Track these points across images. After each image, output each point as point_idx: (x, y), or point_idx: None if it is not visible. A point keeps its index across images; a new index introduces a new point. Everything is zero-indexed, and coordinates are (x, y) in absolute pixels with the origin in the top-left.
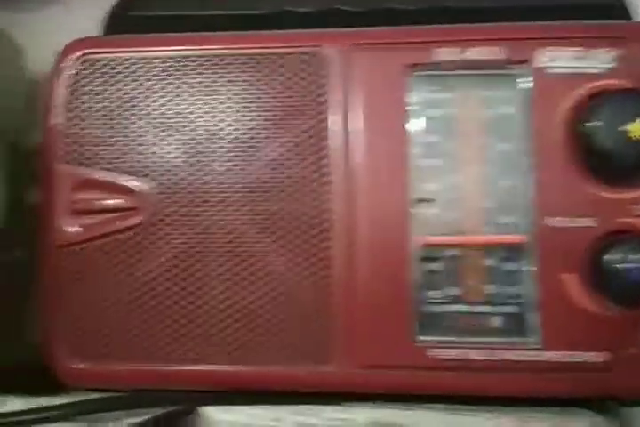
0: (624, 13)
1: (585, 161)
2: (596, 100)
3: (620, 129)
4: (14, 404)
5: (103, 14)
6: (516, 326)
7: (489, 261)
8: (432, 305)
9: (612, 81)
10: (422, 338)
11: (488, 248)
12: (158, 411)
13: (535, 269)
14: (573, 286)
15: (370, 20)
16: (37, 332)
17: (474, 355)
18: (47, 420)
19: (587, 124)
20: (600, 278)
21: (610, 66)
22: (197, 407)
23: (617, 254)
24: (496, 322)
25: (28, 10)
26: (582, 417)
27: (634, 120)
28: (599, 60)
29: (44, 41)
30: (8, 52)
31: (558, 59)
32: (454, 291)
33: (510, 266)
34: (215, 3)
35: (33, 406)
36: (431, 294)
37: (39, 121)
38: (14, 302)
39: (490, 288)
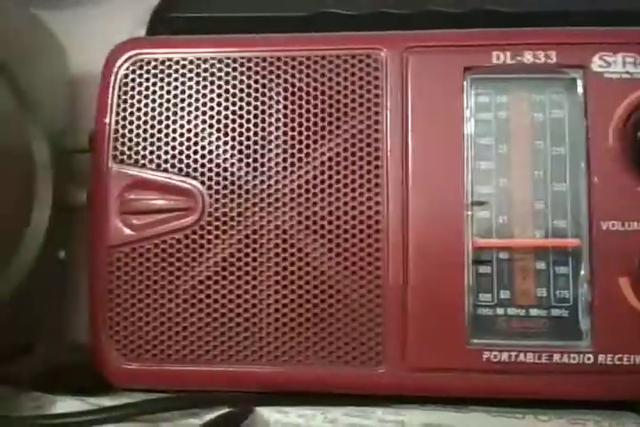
0: None
1: (639, 166)
2: None
3: None
4: (64, 404)
5: (145, 15)
6: (567, 329)
7: (540, 265)
8: (484, 308)
9: None
10: (475, 341)
11: (540, 251)
12: (219, 411)
13: (588, 272)
14: (627, 289)
15: (416, 24)
16: (86, 332)
17: (525, 358)
18: (106, 421)
19: None
20: None
21: None
22: (254, 409)
23: None
24: (547, 325)
25: (71, 10)
26: (631, 420)
27: None
28: None
29: (86, 42)
30: (53, 52)
31: (614, 64)
32: (506, 294)
33: (562, 269)
34: (258, 4)
35: (90, 408)
36: (482, 296)
37: (82, 121)
38: (60, 303)
39: (541, 291)
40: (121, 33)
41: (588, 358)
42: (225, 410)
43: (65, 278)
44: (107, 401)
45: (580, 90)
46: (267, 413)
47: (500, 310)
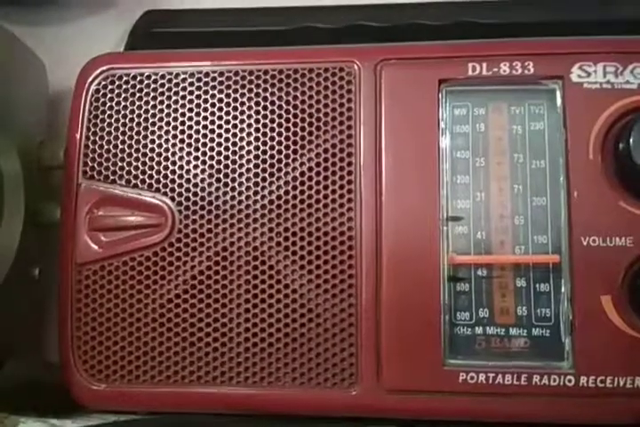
0: None
1: (620, 179)
2: (632, 116)
3: None
4: (26, 425)
5: (125, 30)
6: (548, 349)
7: (520, 282)
8: (462, 327)
9: None
10: (451, 362)
11: (519, 268)
12: None
13: (569, 290)
14: (609, 307)
15: (395, 36)
16: (57, 351)
17: (504, 380)
18: None
19: (622, 140)
20: (637, 300)
21: None
22: None
23: None
24: (527, 345)
25: (51, 25)
26: None
27: None
28: (635, 76)
29: (66, 56)
30: (32, 68)
31: (594, 74)
32: (484, 312)
33: (542, 287)
34: (238, 19)
35: None
36: (460, 315)
37: (60, 136)
38: (32, 321)
39: (521, 310)
40: (102, 49)
41: (570, 380)
42: None
43: (41, 296)
44: (69, 424)
45: (559, 101)
46: None
47: (478, 330)
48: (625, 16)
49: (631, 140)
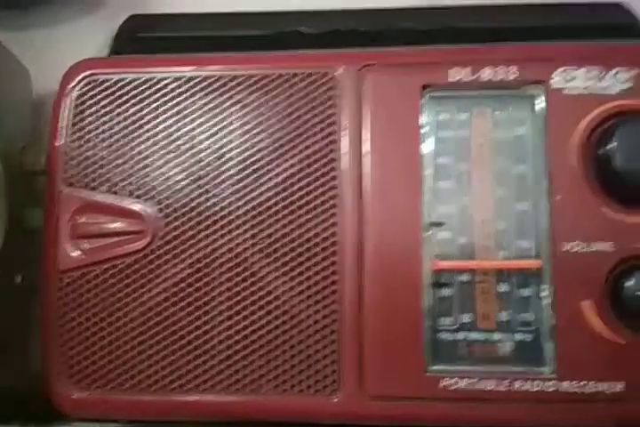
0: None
1: (602, 184)
2: (614, 120)
3: (638, 150)
4: None
5: (110, 35)
6: (530, 354)
7: (502, 287)
8: (444, 333)
9: (629, 102)
10: (434, 368)
11: (502, 273)
12: None
13: (551, 295)
14: (590, 312)
15: (379, 41)
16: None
17: (486, 385)
18: None
19: (604, 145)
20: (618, 305)
21: (627, 86)
22: None
23: (635, 281)
24: (509, 350)
25: (36, 31)
26: None
27: None
28: (616, 81)
29: (53, 60)
30: (15, 73)
31: (574, 79)
32: (466, 318)
33: (525, 292)
34: (222, 23)
35: None
36: (443, 320)
37: (44, 141)
38: (15, 329)
39: (503, 315)
40: (89, 53)
41: (551, 385)
42: None
43: (26, 303)
44: None
45: (540, 106)
46: None
47: (461, 335)
48: (603, 21)
49: (612, 146)
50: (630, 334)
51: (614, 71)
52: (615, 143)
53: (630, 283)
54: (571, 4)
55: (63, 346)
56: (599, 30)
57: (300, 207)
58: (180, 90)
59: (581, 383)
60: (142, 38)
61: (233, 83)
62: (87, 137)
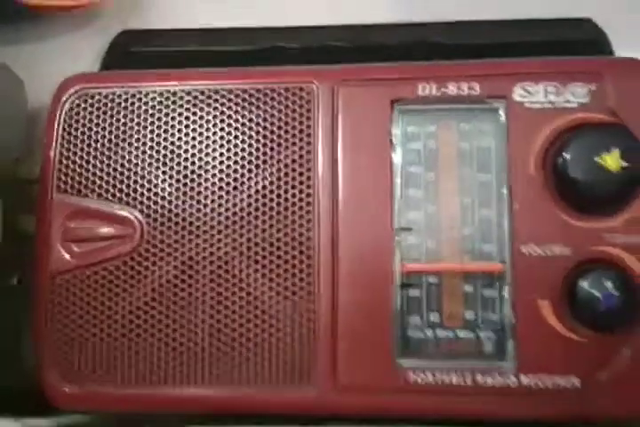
0: (607, 49)
1: (560, 192)
2: (571, 133)
3: (593, 160)
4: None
5: (102, 49)
6: (493, 350)
7: (468, 288)
8: (413, 330)
9: (586, 115)
10: (402, 362)
11: (467, 275)
12: None
13: (512, 295)
14: (548, 312)
15: (359, 56)
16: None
17: (450, 379)
18: None
19: (561, 155)
20: (574, 305)
21: (585, 100)
22: None
23: (590, 282)
24: (474, 347)
25: (31, 42)
26: None
27: (608, 152)
28: (574, 95)
29: (46, 73)
30: (10, 85)
31: (535, 93)
32: (434, 316)
33: (488, 293)
34: (211, 38)
35: None
36: (412, 319)
37: (38, 151)
38: (11, 328)
39: (469, 314)
40: (81, 66)
41: (511, 379)
42: None
43: (22, 305)
44: (43, 423)
45: (503, 119)
46: None
47: (428, 333)
48: (568, 37)
49: (567, 157)
50: (585, 331)
51: (571, 86)
52: (571, 154)
53: (585, 283)
54: (541, 20)
55: (55, 343)
56: (568, 46)
57: (278, 213)
58: (165, 103)
59: (540, 378)
60: (133, 53)
61: (215, 96)
62: (79, 147)
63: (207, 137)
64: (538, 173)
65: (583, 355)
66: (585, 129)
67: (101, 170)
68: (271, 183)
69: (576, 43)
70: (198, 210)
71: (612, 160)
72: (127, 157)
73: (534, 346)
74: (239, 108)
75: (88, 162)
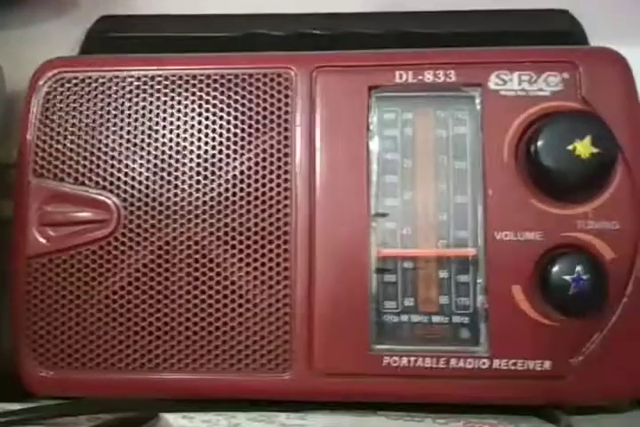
0: (582, 39)
1: (533, 178)
2: (544, 120)
3: (565, 148)
4: None
5: (81, 34)
6: (467, 335)
7: (442, 273)
8: (388, 315)
9: (559, 103)
10: (377, 347)
11: (441, 261)
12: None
13: (484, 280)
14: (520, 297)
15: (336, 44)
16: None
17: (424, 363)
18: (5, 425)
19: (535, 143)
20: (545, 290)
21: (558, 89)
22: (159, 414)
23: (561, 267)
24: (448, 331)
25: (9, 30)
26: (529, 424)
27: (580, 139)
28: (548, 83)
29: (25, 58)
30: None
31: (510, 82)
32: (409, 301)
33: (462, 278)
34: (189, 25)
35: None
36: (387, 304)
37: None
38: None
39: (443, 299)
40: (59, 53)
41: (484, 363)
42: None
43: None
44: (18, 407)
45: (478, 107)
46: (172, 418)
47: (404, 317)
48: (543, 27)
49: (540, 144)
50: (557, 315)
51: (545, 75)
52: (543, 141)
53: (556, 269)
54: (518, 11)
55: (31, 328)
56: (544, 36)
57: (255, 198)
58: (143, 87)
59: (512, 361)
60: (112, 38)
61: (193, 82)
62: (56, 131)
63: (185, 122)
64: (511, 160)
65: (555, 339)
66: (557, 117)
67: (78, 154)
68: (249, 168)
69: (552, 33)
70: (175, 195)
71: (582, 147)
72: (104, 141)
73: (507, 331)
74: (217, 94)
75: (65, 146)
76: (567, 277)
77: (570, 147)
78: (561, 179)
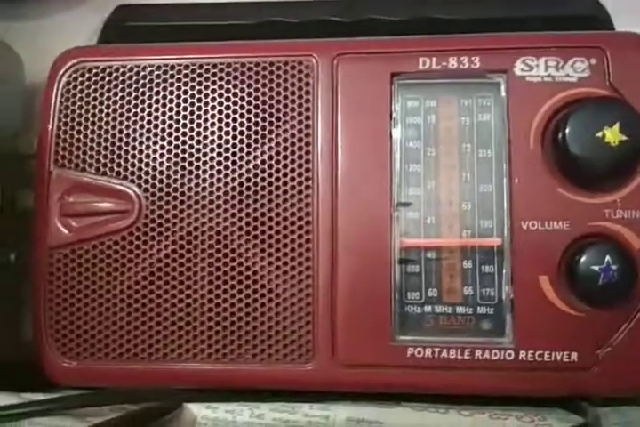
0: (608, 24)
1: (560, 166)
2: (572, 107)
3: (594, 135)
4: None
5: (98, 24)
6: (491, 326)
7: (467, 264)
8: (411, 306)
9: (587, 89)
10: (401, 338)
11: (466, 251)
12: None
13: (510, 270)
14: (547, 287)
15: (356, 30)
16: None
17: (448, 354)
18: (29, 415)
19: (562, 130)
20: (573, 280)
21: (585, 75)
22: (182, 404)
23: (590, 257)
24: (473, 322)
25: (28, 21)
26: (555, 416)
27: (610, 126)
28: (575, 69)
29: (44, 49)
30: (8, 61)
31: (536, 68)
32: (433, 292)
33: (487, 268)
34: (207, 13)
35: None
36: (410, 295)
37: (36, 126)
38: (10, 303)
39: (468, 290)
40: (77, 43)
41: (509, 355)
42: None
43: (17, 280)
44: (42, 397)
45: (503, 94)
46: (195, 408)
47: (427, 308)
48: (568, 12)
49: (567, 131)
50: (584, 306)
51: (572, 60)
52: (571, 129)
53: (583, 259)
54: None
55: (53, 318)
56: (569, 21)
57: (277, 188)
58: (163, 77)
59: (538, 353)
60: (130, 27)
61: (214, 70)
62: (76, 121)
63: (205, 111)
64: (537, 148)
65: (582, 330)
66: (585, 103)
67: (99, 144)
68: (270, 158)
69: (577, 17)
70: (197, 185)
71: (611, 134)
72: (125, 131)
73: (533, 322)
74: (238, 82)
75: (86, 136)
76: (596, 268)
77: (599, 134)
78: (589, 167)
